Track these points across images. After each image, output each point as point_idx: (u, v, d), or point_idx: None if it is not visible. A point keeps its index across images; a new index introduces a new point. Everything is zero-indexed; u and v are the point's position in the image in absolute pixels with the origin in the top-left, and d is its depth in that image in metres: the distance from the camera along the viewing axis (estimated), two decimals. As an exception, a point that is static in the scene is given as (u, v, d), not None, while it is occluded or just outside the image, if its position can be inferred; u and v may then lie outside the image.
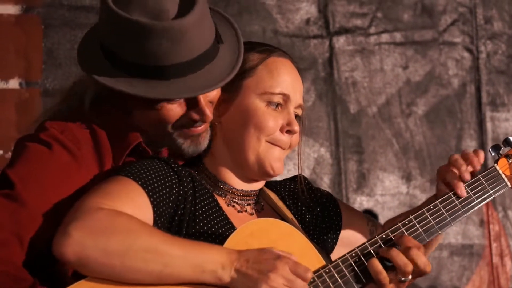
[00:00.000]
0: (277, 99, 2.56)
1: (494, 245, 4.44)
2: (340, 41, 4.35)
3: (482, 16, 4.51)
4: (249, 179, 2.60)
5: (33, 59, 3.88)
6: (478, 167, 2.54)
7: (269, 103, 2.55)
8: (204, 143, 2.56)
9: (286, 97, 2.57)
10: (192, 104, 2.50)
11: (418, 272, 2.38)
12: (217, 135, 2.59)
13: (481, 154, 2.55)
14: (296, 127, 2.57)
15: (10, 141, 3.73)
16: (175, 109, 2.49)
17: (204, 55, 2.46)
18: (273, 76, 2.57)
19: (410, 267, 2.36)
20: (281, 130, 2.56)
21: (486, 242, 4.44)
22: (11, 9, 3.86)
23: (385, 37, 4.40)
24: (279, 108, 2.57)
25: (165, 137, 2.54)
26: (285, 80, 2.58)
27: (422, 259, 2.37)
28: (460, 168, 2.52)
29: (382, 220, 4.29)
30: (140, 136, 2.54)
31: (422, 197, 4.36)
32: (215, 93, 2.53)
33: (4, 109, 3.81)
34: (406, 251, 2.37)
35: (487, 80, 4.51)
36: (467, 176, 2.53)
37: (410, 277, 2.37)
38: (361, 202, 4.33)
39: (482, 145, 4.47)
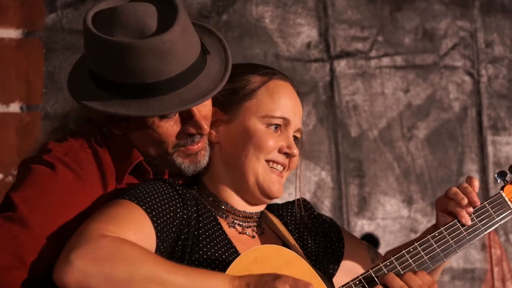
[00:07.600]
0: (277, 122, 2.57)
1: (496, 269, 4.42)
2: (341, 65, 4.35)
3: (483, 40, 4.52)
4: (249, 202, 2.60)
5: (34, 83, 3.87)
6: (478, 203, 2.54)
7: (269, 125, 2.56)
8: (204, 161, 2.57)
9: (286, 121, 2.58)
10: (187, 118, 2.51)
11: None
12: (216, 156, 2.60)
13: (475, 183, 2.55)
14: (295, 150, 2.59)
15: (11, 165, 3.72)
16: (171, 127, 2.50)
17: (192, 68, 2.47)
18: (274, 99, 2.58)
19: None
20: (280, 151, 2.57)
21: (488, 266, 4.42)
22: (13, 33, 3.85)
23: (386, 61, 4.40)
24: (279, 130, 2.57)
25: (166, 158, 2.54)
26: (285, 104, 2.59)
27: (417, 282, 2.36)
28: (461, 202, 2.52)
29: (383, 243, 4.28)
30: (141, 155, 2.54)
31: (423, 221, 4.34)
32: (209, 107, 2.54)
33: (5, 133, 3.80)
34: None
35: (488, 104, 4.50)
36: (470, 209, 2.53)
37: None
38: (362, 226, 4.31)
39: (483, 169, 4.46)
